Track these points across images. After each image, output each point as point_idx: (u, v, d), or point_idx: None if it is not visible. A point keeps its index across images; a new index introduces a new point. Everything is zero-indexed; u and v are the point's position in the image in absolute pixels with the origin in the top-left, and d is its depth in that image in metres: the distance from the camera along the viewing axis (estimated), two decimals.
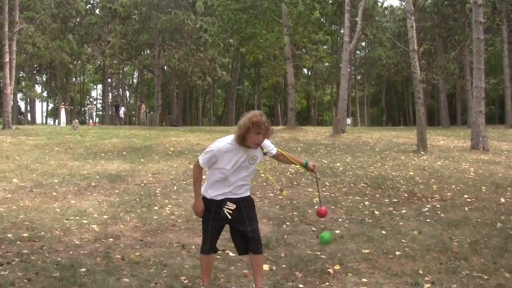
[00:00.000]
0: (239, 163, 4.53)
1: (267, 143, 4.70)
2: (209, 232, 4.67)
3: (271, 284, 5.09)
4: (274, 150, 4.84)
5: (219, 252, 5.53)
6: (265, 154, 4.67)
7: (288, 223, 7.89)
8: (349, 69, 31.93)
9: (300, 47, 43.55)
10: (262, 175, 11.77)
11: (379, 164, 14.15)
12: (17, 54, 31.38)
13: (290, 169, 12.84)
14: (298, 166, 5.03)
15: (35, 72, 59.17)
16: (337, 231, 7.28)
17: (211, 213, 4.62)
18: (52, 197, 9.63)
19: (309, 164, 4.91)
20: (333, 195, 10.06)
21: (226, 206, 4.56)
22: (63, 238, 6.89)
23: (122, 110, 44.77)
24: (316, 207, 5.23)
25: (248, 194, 4.74)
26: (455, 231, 7.27)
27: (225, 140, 4.56)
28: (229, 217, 4.56)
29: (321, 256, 6.10)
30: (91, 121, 46.34)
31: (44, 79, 65.54)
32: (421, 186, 10.84)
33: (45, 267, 5.56)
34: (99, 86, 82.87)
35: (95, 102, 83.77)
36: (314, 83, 70.99)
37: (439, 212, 8.54)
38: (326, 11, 33.99)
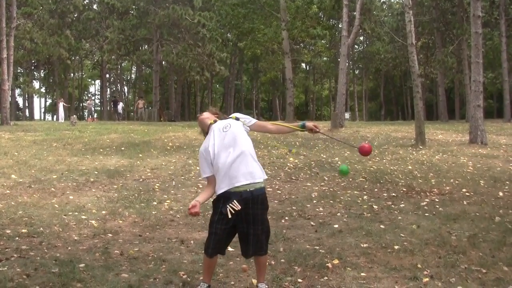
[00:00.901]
0: (216, 139, 4.52)
1: (235, 114, 4.76)
2: (212, 235, 4.50)
3: (270, 279, 5.09)
4: (252, 119, 4.76)
5: None
6: (237, 119, 4.65)
7: (286, 218, 7.89)
8: (347, 64, 31.92)
9: (298, 41, 43.63)
10: None
11: (377, 158, 14.16)
12: (14, 50, 31.36)
13: (288, 164, 12.84)
14: (297, 131, 4.85)
15: (33, 68, 59.07)
16: (336, 226, 7.29)
17: (216, 215, 4.49)
18: (50, 193, 9.63)
19: (307, 124, 4.74)
20: (331, 189, 10.07)
21: (230, 204, 4.37)
22: (62, 234, 6.89)
23: (120, 105, 44.72)
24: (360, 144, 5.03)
25: (259, 179, 4.53)
26: (454, 225, 7.29)
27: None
28: (229, 216, 4.36)
29: (320, 250, 6.10)
30: (89, 116, 46.31)
31: (42, 75, 65.41)
32: (420, 180, 10.86)
33: (44, 263, 5.56)
34: (97, 82, 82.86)
35: (93, 98, 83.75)
36: (312, 78, 70.97)
37: (437, 206, 8.55)
38: (324, 6, 33.96)
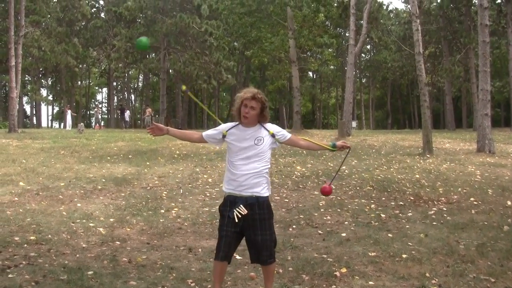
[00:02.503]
0: (244, 142, 4.55)
1: (273, 127, 4.72)
2: (223, 238, 4.52)
3: (278, 287, 5.09)
4: (286, 134, 4.74)
5: None
6: (273, 136, 4.63)
7: (294, 226, 7.88)
8: (354, 72, 31.99)
9: (305, 50, 43.64)
10: None
11: (385, 167, 14.14)
12: (22, 58, 31.47)
13: (296, 173, 12.84)
14: (327, 149, 4.89)
15: (40, 75, 59.35)
16: (343, 234, 7.27)
17: (225, 218, 4.53)
18: (58, 200, 9.65)
19: (337, 144, 4.85)
20: (339, 198, 10.05)
21: (237, 209, 4.43)
22: (70, 241, 6.90)
23: (127, 113, 44.83)
24: (324, 184, 5.14)
25: (265, 194, 4.58)
26: (462, 234, 7.26)
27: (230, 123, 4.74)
28: (236, 220, 4.42)
29: (328, 259, 6.09)
30: (97, 124, 46.44)
31: (50, 83, 65.72)
32: (427, 189, 10.83)
33: (53, 270, 5.57)
34: (104, 90, 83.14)
35: (100, 106, 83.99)
36: (319, 86, 70.99)
37: (445, 215, 8.52)
38: (331, 14, 34.05)
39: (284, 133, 4.72)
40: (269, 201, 4.66)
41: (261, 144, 4.57)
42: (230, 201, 4.52)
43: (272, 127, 4.69)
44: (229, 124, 4.72)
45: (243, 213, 4.43)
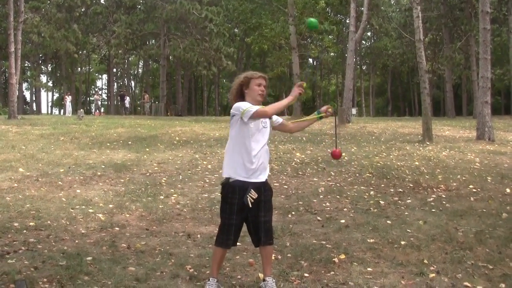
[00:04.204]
0: (257, 124, 4.53)
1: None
2: (233, 227, 4.56)
3: (277, 273, 5.10)
4: (279, 118, 4.79)
5: None
6: (270, 118, 4.64)
7: (293, 213, 7.90)
8: (354, 59, 31.86)
9: (306, 37, 43.45)
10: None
11: (384, 154, 14.14)
12: (22, 44, 31.36)
13: (295, 159, 12.85)
14: (316, 120, 4.85)
15: (40, 62, 59.23)
16: (342, 221, 7.29)
17: (234, 206, 4.52)
18: (58, 187, 9.67)
19: (322, 109, 4.78)
20: (338, 184, 10.07)
21: (249, 194, 4.46)
22: (69, 227, 6.93)
23: (127, 100, 44.75)
24: (329, 150, 5.13)
25: (266, 178, 4.66)
26: (460, 221, 7.28)
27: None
28: (250, 205, 4.45)
29: (327, 245, 6.11)
30: (97, 111, 46.37)
31: (49, 69, 65.55)
32: (427, 176, 10.83)
33: (52, 256, 5.59)
34: (104, 76, 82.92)
35: (100, 92, 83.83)
36: (319, 73, 70.80)
37: (444, 202, 8.54)
38: (332, 1, 33.98)
39: (277, 117, 4.76)
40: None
41: (267, 125, 4.63)
42: (239, 187, 4.50)
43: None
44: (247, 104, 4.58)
45: (255, 197, 4.49)
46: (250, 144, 4.49)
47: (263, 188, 4.59)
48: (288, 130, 5.00)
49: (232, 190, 4.54)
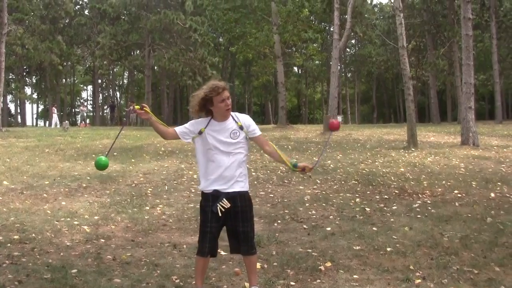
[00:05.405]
0: (222, 136, 4.53)
1: (245, 118, 4.68)
2: (207, 234, 4.56)
3: (263, 282, 5.09)
4: (257, 132, 4.69)
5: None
6: (241, 128, 4.58)
7: (279, 221, 7.89)
8: (339, 67, 32.05)
9: (290, 45, 43.66)
10: (254, 173, 11.82)
11: (370, 161, 14.18)
12: (6, 56, 31.22)
13: (281, 168, 12.85)
14: (287, 166, 4.76)
15: (24, 73, 59.01)
16: (328, 228, 7.29)
17: (208, 214, 4.54)
18: (42, 199, 9.59)
19: (299, 165, 4.67)
20: (324, 192, 10.07)
21: (220, 203, 4.46)
22: (54, 240, 6.87)
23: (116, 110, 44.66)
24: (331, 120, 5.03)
25: (245, 189, 4.63)
26: (446, 226, 7.31)
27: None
28: (219, 214, 4.46)
29: (313, 253, 6.11)
30: (82, 122, 46.20)
31: (34, 81, 65.34)
32: (412, 182, 10.88)
33: (36, 269, 5.54)
34: (89, 87, 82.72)
35: (85, 103, 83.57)
36: (304, 81, 71.06)
37: (429, 208, 8.57)
38: (316, 9, 34.14)
39: (255, 129, 4.67)
40: (249, 193, 4.71)
41: (237, 137, 4.57)
42: (212, 196, 4.52)
43: (243, 119, 4.66)
44: (202, 120, 4.65)
45: (226, 207, 4.48)
46: (213, 155, 4.53)
47: (239, 199, 4.56)
48: (262, 149, 4.88)
49: (205, 198, 4.59)
